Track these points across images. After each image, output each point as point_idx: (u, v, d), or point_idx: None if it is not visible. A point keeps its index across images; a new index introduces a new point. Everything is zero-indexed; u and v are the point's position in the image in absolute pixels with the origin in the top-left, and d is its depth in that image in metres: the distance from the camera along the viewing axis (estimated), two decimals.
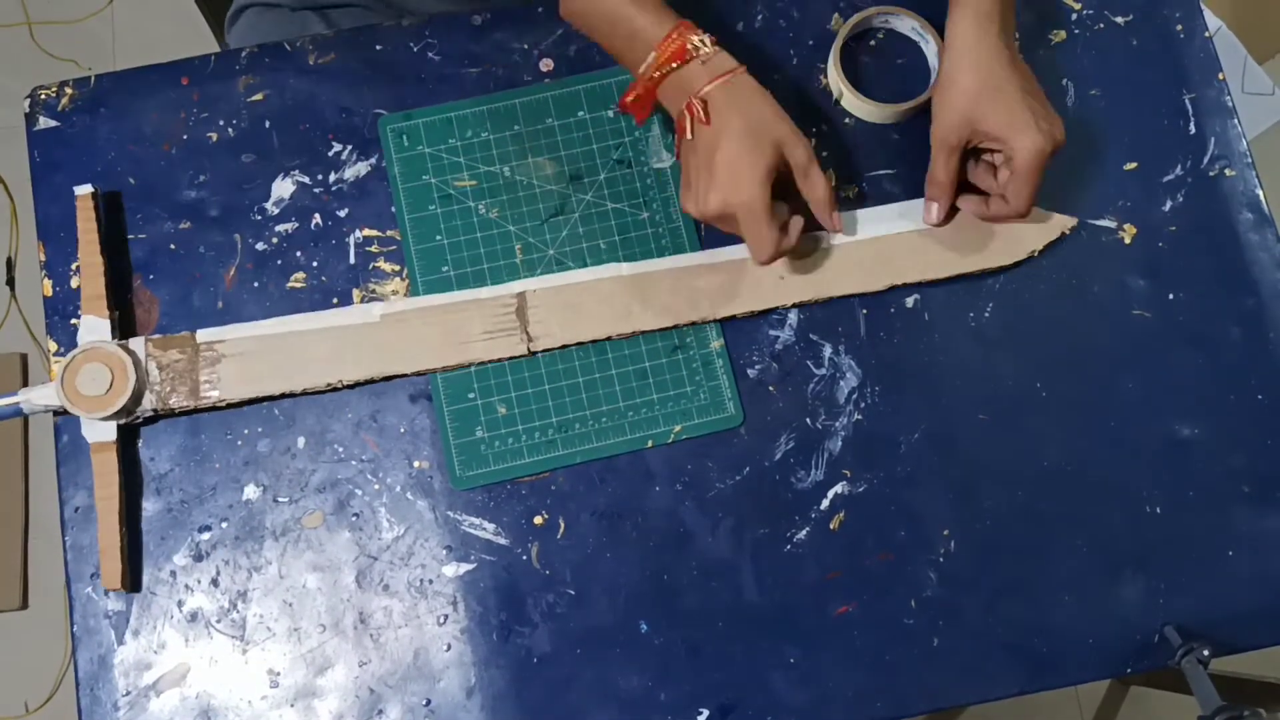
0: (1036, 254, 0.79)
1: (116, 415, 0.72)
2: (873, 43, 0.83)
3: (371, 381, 0.75)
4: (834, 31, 0.83)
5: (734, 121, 0.69)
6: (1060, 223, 0.79)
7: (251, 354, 0.74)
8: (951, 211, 0.78)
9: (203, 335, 0.74)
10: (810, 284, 0.77)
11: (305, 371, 0.74)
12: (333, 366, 0.74)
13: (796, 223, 0.73)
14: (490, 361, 0.75)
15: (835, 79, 0.81)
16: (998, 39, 0.72)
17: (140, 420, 0.74)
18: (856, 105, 0.81)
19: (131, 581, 0.72)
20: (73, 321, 0.76)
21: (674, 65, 0.70)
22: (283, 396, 0.75)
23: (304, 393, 0.75)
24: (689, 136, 0.70)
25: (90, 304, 0.74)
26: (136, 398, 0.72)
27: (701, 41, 0.70)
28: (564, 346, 0.76)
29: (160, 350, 0.74)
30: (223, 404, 0.74)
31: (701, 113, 0.69)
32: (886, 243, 0.78)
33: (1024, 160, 0.71)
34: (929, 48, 0.82)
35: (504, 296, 0.76)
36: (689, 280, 0.77)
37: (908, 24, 0.82)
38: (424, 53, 0.82)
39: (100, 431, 0.72)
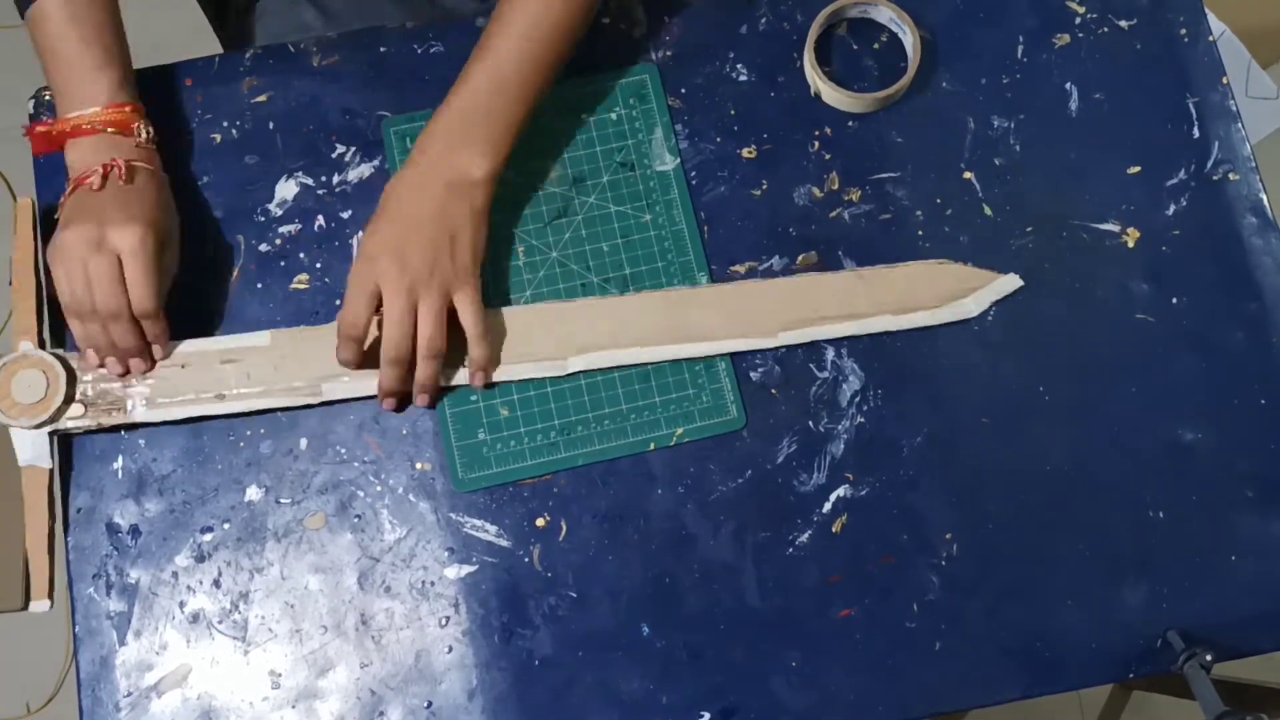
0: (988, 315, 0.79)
1: (48, 422, 0.72)
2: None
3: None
4: (833, 34, 0.83)
5: (150, 194, 0.73)
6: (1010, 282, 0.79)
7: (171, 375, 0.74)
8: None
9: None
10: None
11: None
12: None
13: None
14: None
15: (811, 73, 0.81)
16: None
17: (71, 432, 0.74)
18: (834, 97, 0.81)
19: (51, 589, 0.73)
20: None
21: (111, 130, 0.73)
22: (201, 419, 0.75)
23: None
24: (96, 187, 0.71)
25: (23, 326, 0.73)
26: (68, 403, 0.73)
27: (148, 131, 0.74)
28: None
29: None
30: (141, 424, 0.74)
31: (123, 172, 0.72)
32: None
33: None
34: (906, 38, 0.82)
35: None
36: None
37: (885, 14, 0.82)
38: (427, 55, 0.82)
39: (31, 448, 0.72)
